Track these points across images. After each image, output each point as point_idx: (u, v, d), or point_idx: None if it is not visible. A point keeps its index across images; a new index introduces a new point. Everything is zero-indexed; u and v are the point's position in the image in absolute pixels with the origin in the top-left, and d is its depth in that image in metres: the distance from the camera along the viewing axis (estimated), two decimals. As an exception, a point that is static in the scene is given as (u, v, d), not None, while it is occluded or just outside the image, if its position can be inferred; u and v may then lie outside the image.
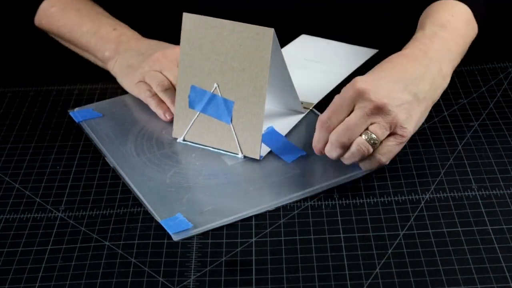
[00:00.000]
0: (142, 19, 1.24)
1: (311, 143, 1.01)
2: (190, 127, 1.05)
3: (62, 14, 1.23)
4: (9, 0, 1.25)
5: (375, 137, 0.94)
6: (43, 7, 1.24)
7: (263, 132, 1.00)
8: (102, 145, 1.06)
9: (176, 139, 1.07)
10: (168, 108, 1.10)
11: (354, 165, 0.99)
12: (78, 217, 0.95)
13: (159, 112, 1.10)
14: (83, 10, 1.22)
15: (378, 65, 1.01)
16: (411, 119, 0.96)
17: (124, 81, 1.16)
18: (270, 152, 1.03)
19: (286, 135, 1.06)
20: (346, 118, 0.95)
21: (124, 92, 1.18)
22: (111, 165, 1.03)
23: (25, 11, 1.25)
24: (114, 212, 0.95)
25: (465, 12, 1.12)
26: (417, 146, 1.03)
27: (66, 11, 1.23)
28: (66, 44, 1.24)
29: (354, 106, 0.95)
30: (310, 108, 1.11)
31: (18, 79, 1.24)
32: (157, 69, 1.11)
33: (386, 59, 1.02)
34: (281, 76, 1.03)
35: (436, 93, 1.02)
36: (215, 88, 1.02)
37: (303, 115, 1.10)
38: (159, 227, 0.92)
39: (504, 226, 0.90)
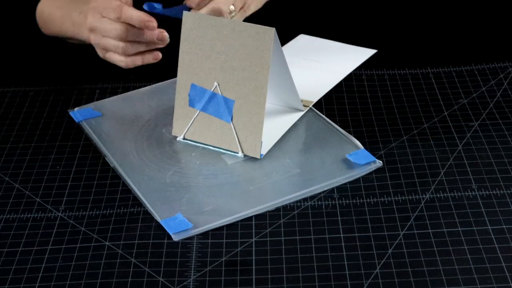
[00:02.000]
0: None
1: (310, 142, 1.01)
2: (190, 125, 1.05)
3: (50, 16, 1.22)
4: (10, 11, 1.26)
5: (233, 8, 1.11)
6: (38, 13, 1.23)
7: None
8: (102, 145, 1.06)
9: (176, 137, 1.07)
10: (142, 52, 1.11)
11: (354, 165, 0.99)
12: (78, 217, 0.95)
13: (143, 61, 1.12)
14: (64, 7, 1.22)
15: None
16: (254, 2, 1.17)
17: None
18: (270, 152, 1.03)
19: (285, 132, 1.06)
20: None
21: (124, 91, 1.18)
22: (111, 165, 1.03)
23: (27, 21, 1.25)
24: (114, 212, 0.95)
25: None
26: (417, 146, 1.03)
27: (53, 12, 1.22)
28: (71, 41, 1.24)
29: None
30: (310, 106, 1.11)
31: (18, 79, 1.24)
32: (99, 15, 1.10)
33: None
34: (281, 74, 1.03)
35: None
36: (216, 87, 1.02)
37: (302, 112, 1.10)
38: (159, 227, 0.92)
39: (504, 226, 0.90)
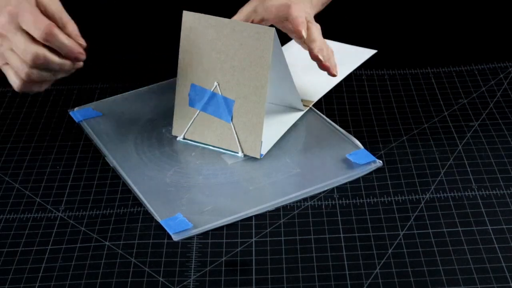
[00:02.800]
0: (143, 17, 1.24)
1: (310, 142, 1.01)
2: (190, 125, 1.05)
3: None
4: None
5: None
6: None
7: None
8: (102, 144, 1.06)
9: (176, 137, 1.07)
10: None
11: (354, 165, 0.99)
12: (78, 217, 0.95)
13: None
14: None
15: None
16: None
17: None
18: (270, 152, 1.03)
19: (285, 132, 1.06)
20: (315, 35, 1.06)
21: (124, 91, 1.18)
22: (111, 165, 1.03)
23: None
24: (114, 212, 0.95)
25: None
26: (417, 146, 1.03)
27: None
28: None
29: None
30: (310, 106, 1.11)
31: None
32: (16, 25, 0.94)
33: None
34: (282, 74, 1.03)
35: None
36: (216, 86, 1.02)
37: (302, 112, 1.10)
38: (159, 227, 0.92)
39: (504, 226, 0.90)
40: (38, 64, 0.94)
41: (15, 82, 0.97)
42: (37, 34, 0.93)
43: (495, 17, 1.30)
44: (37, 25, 0.92)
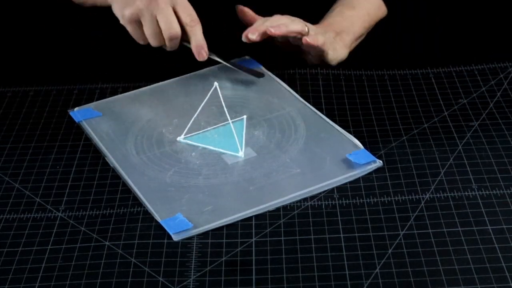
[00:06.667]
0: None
1: (310, 141, 1.01)
2: (190, 125, 1.05)
3: None
4: None
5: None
6: None
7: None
8: (102, 145, 1.06)
9: (176, 137, 1.07)
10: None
11: (354, 165, 0.99)
12: (78, 217, 0.95)
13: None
14: None
15: None
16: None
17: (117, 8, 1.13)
18: (270, 152, 1.03)
19: (286, 132, 1.06)
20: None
21: (124, 91, 1.18)
22: (111, 165, 1.03)
23: None
24: (114, 212, 0.95)
25: None
26: (417, 146, 1.03)
27: None
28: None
29: None
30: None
31: (18, 79, 1.24)
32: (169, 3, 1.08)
33: None
34: None
35: None
36: (215, 86, 1.02)
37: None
38: (159, 227, 0.92)
39: (504, 226, 0.90)
40: (171, 39, 1.09)
41: (138, 38, 1.11)
42: (186, 19, 1.08)
43: (495, 17, 1.30)
44: (189, 13, 1.09)
